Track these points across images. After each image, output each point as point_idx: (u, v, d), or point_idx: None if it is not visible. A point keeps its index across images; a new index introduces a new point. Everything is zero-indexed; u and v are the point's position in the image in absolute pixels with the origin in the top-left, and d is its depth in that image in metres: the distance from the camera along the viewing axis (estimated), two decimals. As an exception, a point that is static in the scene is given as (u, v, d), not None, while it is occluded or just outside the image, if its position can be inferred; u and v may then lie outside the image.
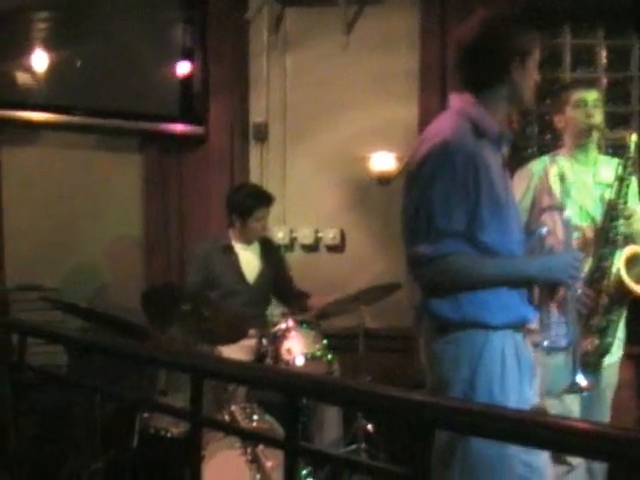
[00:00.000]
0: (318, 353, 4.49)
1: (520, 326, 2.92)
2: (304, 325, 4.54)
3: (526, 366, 2.90)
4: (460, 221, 2.78)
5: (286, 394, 2.03)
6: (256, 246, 5.39)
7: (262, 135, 6.56)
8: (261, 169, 6.60)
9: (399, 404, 1.78)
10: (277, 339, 4.49)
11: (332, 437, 4.93)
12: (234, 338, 4.44)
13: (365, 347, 5.02)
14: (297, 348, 4.45)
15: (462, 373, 2.82)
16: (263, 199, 5.26)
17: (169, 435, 4.46)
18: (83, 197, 6.37)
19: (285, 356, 4.44)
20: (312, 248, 6.53)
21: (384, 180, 6.39)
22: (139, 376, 5.21)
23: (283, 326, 4.51)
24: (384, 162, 6.34)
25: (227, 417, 4.31)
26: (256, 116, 6.61)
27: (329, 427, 4.92)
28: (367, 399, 1.88)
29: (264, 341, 4.50)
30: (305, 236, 6.49)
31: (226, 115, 6.47)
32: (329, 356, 4.52)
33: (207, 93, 6.46)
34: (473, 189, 2.79)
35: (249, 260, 5.33)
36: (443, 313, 2.86)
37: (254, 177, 6.59)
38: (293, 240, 6.51)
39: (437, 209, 2.77)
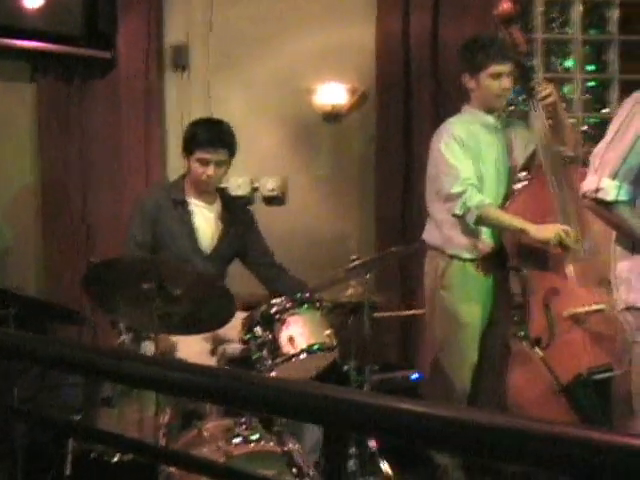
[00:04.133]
0: (327, 342, 3.37)
1: None
2: (305, 306, 3.40)
3: None
4: None
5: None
6: (218, 206, 4.20)
7: (181, 61, 5.37)
8: (180, 103, 5.37)
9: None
10: (273, 325, 3.33)
11: (312, 440, 3.89)
12: (217, 324, 3.29)
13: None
14: (302, 337, 3.32)
15: None
16: (206, 132, 4.06)
17: (115, 460, 3.30)
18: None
19: (287, 348, 3.30)
20: (247, 201, 5.38)
21: (333, 117, 5.46)
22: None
23: (277, 307, 3.35)
24: (334, 95, 5.43)
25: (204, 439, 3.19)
26: (173, 37, 5.37)
27: (308, 429, 3.87)
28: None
29: (258, 328, 3.32)
30: (238, 186, 5.39)
31: (139, 36, 5.26)
32: (335, 343, 3.44)
33: (115, 9, 5.26)
34: None
35: (206, 222, 4.16)
36: None
37: (171, 113, 5.38)
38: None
39: None
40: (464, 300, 4.22)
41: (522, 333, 3.96)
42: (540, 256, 4.10)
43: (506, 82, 4.17)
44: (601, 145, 3.19)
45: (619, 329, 3.24)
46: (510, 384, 4.08)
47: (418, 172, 5.23)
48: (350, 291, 3.93)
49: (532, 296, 4.11)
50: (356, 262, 3.66)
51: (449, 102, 5.19)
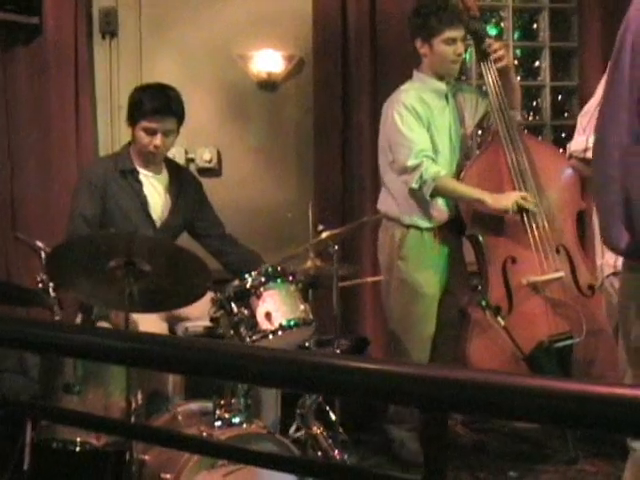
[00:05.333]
0: (305, 317, 3.23)
1: None
2: (278, 279, 3.24)
3: None
4: None
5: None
6: (165, 176, 3.99)
7: (111, 26, 5.06)
8: (110, 71, 5.11)
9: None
10: (249, 300, 3.16)
11: (270, 419, 3.74)
12: (189, 299, 3.12)
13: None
14: (278, 313, 3.16)
15: None
16: (152, 99, 3.82)
17: (84, 449, 3.09)
18: None
19: (264, 324, 3.14)
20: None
21: (269, 85, 5.24)
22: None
23: (251, 282, 3.18)
24: (269, 62, 5.20)
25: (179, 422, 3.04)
26: (102, 1, 5.08)
27: (266, 407, 3.72)
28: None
29: (232, 305, 3.15)
30: (172, 157, 5.08)
31: (67, 0, 4.89)
32: (312, 317, 3.30)
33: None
34: None
35: (157, 193, 3.95)
36: None
37: (101, 81, 5.10)
38: (156, 163, 5.08)
39: None
40: (422, 270, 4.13)
41: (484, 302, 3.90)
42: (498, 223, 4.05)
43: (460, 47, 4.09)
44: (589, 105, 3.14)
45: (604, 295, 3.21)
46: (470, 353, 4.02)
47: (357, 141, 5.14)
48: (309, 263, 3.79)
49: (490, 264, 4.06)
50: (325, 233, 3.53)
51: (388, 69, 5.09)
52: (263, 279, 3.21)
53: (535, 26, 5.81)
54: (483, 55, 4.18)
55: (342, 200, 5.14)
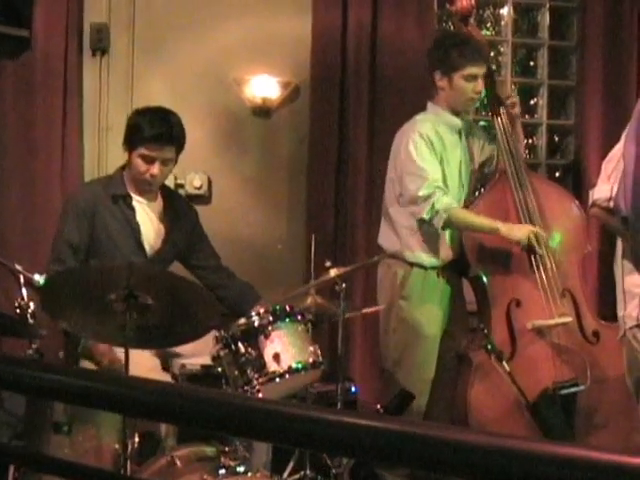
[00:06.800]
0: (314, 358, 3.06)
1: None
2: (287, 318, 3.06)
3: None
4: None
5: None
6: (160, 204, 3.80)
7: (102, 43, 4.87)
8: (99, 90, 4.91)
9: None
10: (257, 340, 2.98)
11: (262, 459, 3.56)
12: (194, 336, 2.93)
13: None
14: (287, 354, 2.98)
15: None
16: (153, 125, 3.63)
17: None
18: None
19: (272, 366, 2.96)
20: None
21: (263, 111, 5.05)
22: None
23: (259, 321, 3.00)
24: (264, 88, 5.00)
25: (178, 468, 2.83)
26: (93, 15, 4.87)
27: (257, 447, 3.54)
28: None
29: (239, 344, 2.96)
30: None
31: (57, 14, 4.72)
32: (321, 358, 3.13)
33: (32, -16, 4.68)
34: None
35: (150, 221, 3.75)
36: None
37: (89, 101, 4.91)
38: (144, 188, 4.88)
39: None
40: (425, 310, 3.98)
41: (489, 346, 3.74)
42: (504, 263, 3.93)
43: (480, 85, 3.97)
44: (614, 152, 3.02)
45: (626, 348, 3.07)
46: (471, 399, 3.87)
47: (352, 173, 4.99)
48: (309, 300, 3.61)
49: (494, 307, 3.93)
50: (333, 271, 3.36)
51: (386, 100, 4.97)
52: (271, 318, 3.03)
53: (533, 63, 5.70)
54: (493, 91, 4.09)
55: (335, 232, 4.98)
